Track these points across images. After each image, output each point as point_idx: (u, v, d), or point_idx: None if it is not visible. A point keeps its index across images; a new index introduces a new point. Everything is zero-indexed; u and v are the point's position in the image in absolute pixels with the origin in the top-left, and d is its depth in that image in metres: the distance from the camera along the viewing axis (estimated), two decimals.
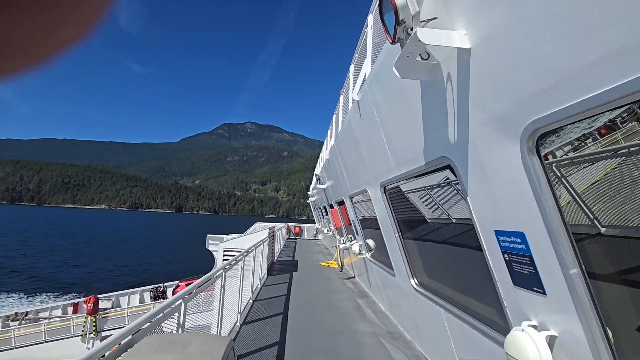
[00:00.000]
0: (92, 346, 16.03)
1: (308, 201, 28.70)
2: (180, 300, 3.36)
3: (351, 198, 8.66)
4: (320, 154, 17.04)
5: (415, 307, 5.30)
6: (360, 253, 8.57)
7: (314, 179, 18.72)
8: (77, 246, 74.85)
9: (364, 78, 5.19)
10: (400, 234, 5.34)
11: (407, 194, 4.83)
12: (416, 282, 5.15)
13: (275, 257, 14.92)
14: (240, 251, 7.20)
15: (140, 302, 20.21)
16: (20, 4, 0.20)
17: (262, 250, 9.61)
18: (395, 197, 5.21)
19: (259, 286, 9.12)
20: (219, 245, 10.49)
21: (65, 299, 31.23)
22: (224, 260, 9.50)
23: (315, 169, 19.47)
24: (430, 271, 4.90)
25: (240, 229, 24.70)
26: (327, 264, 14.22)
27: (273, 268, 12.54)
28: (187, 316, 3.51)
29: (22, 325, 17.19)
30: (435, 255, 4.78)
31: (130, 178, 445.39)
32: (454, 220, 3.74)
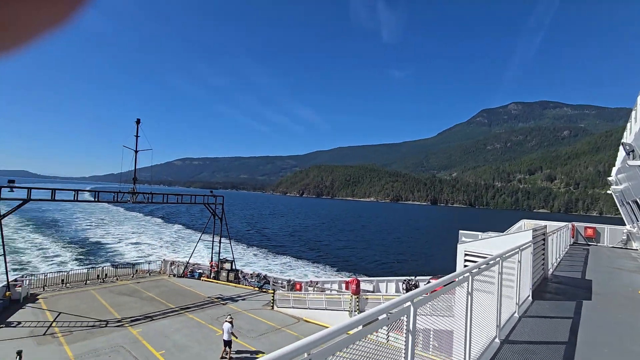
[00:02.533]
0: None
1: (609, 192, 20.01)
2: (409, 303, 2.71)
3: None
4: (633, 115, 10.81)
5: None
6: None
7: (620, 154, 12.27)
8: (354, 230, 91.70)
9: None
10: None
11: None
12: None
13: (550, 271, 10.71)
14: (486, 257, 5.05)
15: (395, 291, 20.96)
16: None
17: (523, 259, 6.65)
18: None
19: (516, 315, 6.28)
20: (459, 247, 8.34)
21: (340, 275, 38.60)
22: (464, 265, 7.35)
23: (624, 137, 12.79)
24: None
25: (499, 226, 20.56)
26: None
27: (544, 287, 8.85)
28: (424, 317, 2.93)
29: (314, 293, 22.02)
30: None
31: (392, 174, 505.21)
32: None
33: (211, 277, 26.53)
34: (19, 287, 19.64)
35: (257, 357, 14.48)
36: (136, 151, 22.08)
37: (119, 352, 14.27)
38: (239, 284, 25.64)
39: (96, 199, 20.42)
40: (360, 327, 2.12)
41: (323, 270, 41.32)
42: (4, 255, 18.67)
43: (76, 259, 38.81)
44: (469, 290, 4.07)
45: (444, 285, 3.52)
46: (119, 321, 17.47)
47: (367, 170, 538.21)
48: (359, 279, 20.34)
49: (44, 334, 15.62)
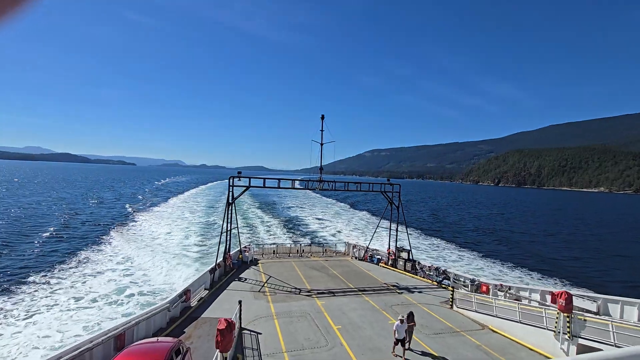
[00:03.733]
0: (566, 348, 13.79)
1: None
2: None
3: None
4: None
5: None
6: None
7: None
8: (575, 228, 71.94)
9: None
10: None
11: None
12: None
13: None
14: None
15: (639, 320, 14.64)
16: None
17: None
18: None
19: None
20: None
21: (544, 284, 30.62)
22: None
23: None
24: None
25: None
26: None
27: None
28: None
29: (505, 299, 18.43)
30: None
31: (637, 156, 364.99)
32: None
33: (388, 264, 26.85)
34: (247, 252, 26.07)
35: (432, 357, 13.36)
36: (321, 144, 24.81)
37: (305, 317, 16.48)
38: (416, 274, 24.74)
39: (292, 187, 24.35)
40: None
41: (519, 273, 34.34)
42: (237, 228, 25.22)
43: (287, 234, 48.31)
44: None
45: None
46: (308, 291, 20.26)
47: (595, 152, 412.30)
48: (572, 292, 15.37)
49: (259, 291, 20.03)
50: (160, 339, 10.32)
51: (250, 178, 23.47)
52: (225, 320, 9.32)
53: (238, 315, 15.09)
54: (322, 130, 24.72)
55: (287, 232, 51.04)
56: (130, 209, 66.17)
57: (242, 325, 15.28)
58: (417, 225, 64.07)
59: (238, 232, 25.54)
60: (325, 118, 24.86)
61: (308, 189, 24.57)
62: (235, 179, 23.30)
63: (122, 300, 22.17)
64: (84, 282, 24.82)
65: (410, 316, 14.01)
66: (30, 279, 25.04)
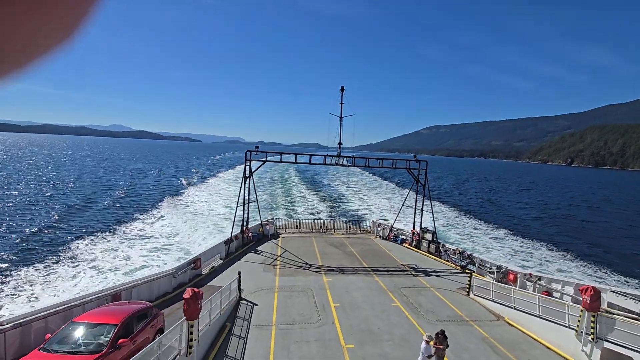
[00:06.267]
0: (589, 350, 11.92)
1: None
2: None
3: None
4: None
5: None
6: None
7: None
8: None
9: None
10: None
11: None
12: None
13: None
14: None
15: None
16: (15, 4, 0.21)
17: None
18: None
19: None
20: None
21: (589, 277, 26.84)
22: None
23: None
24: None
25: None
26: None
27: None
28: None
29: (528, 291, 16.53)
30: None
31: None
32: None
33: (412, 244, 25.58)
34: (269, 226, 26.57)
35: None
36: (341, 117, 23.74)
37: (306, 293, 16.40)
38: (440, 257, 23.26)
39: (310, 162, 23.89)
40: None
41: (564, 263, 30.63)
42: (257, 202, 25.68)
43: (320, 209, 48.49)
44: None
45: None
46: (318, 267, 20.11)
47: None
48: (616, 290, 13.14)
49: (270, 264, 20.38)
50: (131, 302, 10.93)
51: (267, 153, 23.47)
52: (192, 289, 9.46)
53: (237, 286, 15.49)
54: (341, 103, 23.59)
55: (322, 207, 51.21)
56: (184, 182, 71.64)
57: (242, 296, 15.68)
58: (456, 205, 60.16)
59: (258, 206, 26.00)
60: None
61: (325, 164, 23.90)
62: (253, 154, 23.51)
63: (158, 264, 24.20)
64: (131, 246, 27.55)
65: (440, 336, 10.37)
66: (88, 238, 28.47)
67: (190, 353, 9.62)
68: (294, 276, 18.54)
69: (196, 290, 9.56)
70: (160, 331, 10.26)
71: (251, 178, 23.75)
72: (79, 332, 8.02)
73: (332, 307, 15.07)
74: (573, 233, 44.66)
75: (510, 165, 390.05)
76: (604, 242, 40.48)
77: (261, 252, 22.70)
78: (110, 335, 8.00)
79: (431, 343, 10.05)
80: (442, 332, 10.55)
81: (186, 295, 9.37)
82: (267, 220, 27.46)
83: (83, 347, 7.67)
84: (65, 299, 10.70)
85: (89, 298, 11.10)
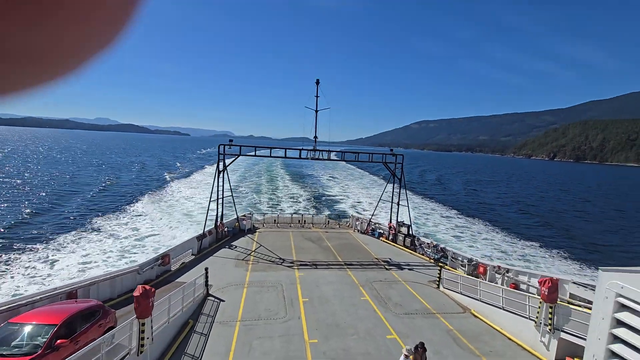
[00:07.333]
0: (547, 341, 12.16)
1: None
2: None
3: None
4: None
5: None
6: None
7: None
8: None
9: None
10: None
11: None
12: None
13: None
14: None
15: None
16: (53, 14, 0.22)
17: None
18: None
19: None
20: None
21: (550, 268, 27.64)
22: None
23: None
24: None
25: None
26: None
27: None
28: None
29: (499, 284, 16.77)
30: None
31: None
32: None
33: (389, 238, 25.68)
34: (245, 220, 26.22)
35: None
36: (316, 111, 23.49)
37: (276, 288, 16.24)
38: (415, 251, 23.42)
39: (285, 156, 23.59)
40: None
41: (545, 256, 31.37)
42: (232, 196, 25.28)
43: (301, 204, 48.32)
44: None
45: None
46: (292, 262, 19.96)
47: None
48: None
49: (242, 259, 20.12)
50: (79, 300, 10.58)
51: (240, 147, 23.06)
52: (142, 286, 9.17)
53: (204, 282, 15.21)
54: (317, 97, 23.31)
55: (304, 200, 51.02)
56: (167, 177, 70.30)
57: (210, 292, 15.41)
58: (436, 200, 60.90)
59: (233, 200, 25.61)
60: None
61: (301, 158, 23.63)
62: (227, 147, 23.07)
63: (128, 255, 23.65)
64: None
65: (419, 349, 9.94)
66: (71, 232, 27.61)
67: (142, 352, 9.36)
68: (266, 271, 18.35)
69: (147, 287, 9.28)
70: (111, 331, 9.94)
71: (225, 172, 23.32)
72: (14, 333, 7.66)
73: (300, 302, 14.96)
74: (537, 224, 45.73)
75: (496, 159, 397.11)
76: (570, 232, 41.59)
77: (235, 247, 22.41)
78: (48, 336, 7.66)
79: (411, 357, 9.49)
80: (422, 344, 10.10)
81: (136, 293, 9.08)
82: (244, 215, 27.12)
83: (16, 349, 7.32)
84: (10, 299, 10.25)
85: (39, 297, 10.67)
